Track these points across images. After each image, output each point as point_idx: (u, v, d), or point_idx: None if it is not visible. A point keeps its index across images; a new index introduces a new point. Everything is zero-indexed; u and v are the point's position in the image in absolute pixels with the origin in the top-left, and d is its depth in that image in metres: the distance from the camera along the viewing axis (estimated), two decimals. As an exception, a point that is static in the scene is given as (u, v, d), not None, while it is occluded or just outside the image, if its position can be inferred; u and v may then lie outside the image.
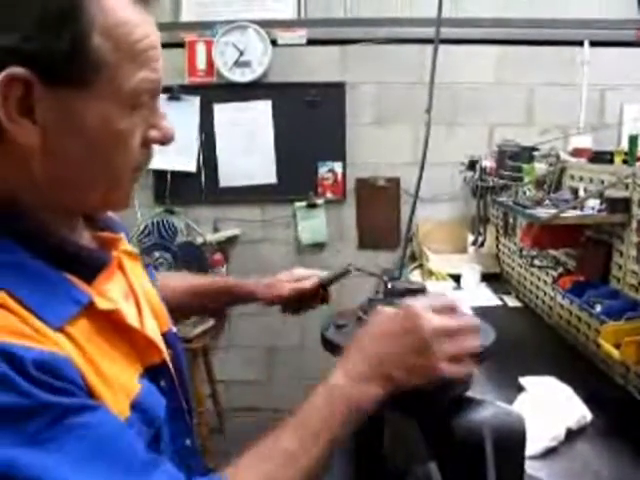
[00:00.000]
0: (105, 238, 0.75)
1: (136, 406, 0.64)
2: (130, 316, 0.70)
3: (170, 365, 0.76)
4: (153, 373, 0.72)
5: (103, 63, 0.59)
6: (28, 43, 0.55)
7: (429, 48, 2.13)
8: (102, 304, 0.65)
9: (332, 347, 0.85)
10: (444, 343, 0.69)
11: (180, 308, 1.08)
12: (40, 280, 0.60)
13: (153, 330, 0.76)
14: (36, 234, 0.62)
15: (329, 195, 3.13)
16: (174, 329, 0.85)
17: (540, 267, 2.13)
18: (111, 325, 0.66)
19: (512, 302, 2.37)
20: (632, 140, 1.76)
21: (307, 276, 1.24)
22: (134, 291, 0.77)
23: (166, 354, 0.76)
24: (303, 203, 3.12)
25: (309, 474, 0.65)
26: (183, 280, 1.23)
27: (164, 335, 0.80)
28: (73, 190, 0.65)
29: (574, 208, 1.67)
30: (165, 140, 0.70)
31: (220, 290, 1.24)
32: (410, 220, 2.30)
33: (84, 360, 0.59)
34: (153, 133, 0.69)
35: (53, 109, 0.59)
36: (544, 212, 1.69)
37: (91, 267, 0.67)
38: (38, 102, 0.58)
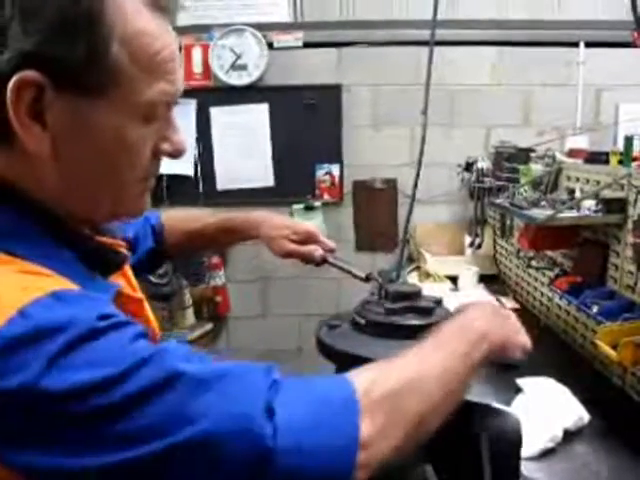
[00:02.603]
0: (110, 244, 0.75)
1: None
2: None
3: None
4: None
5: (120, 73, 0.58)
6: (44, 48, 0.54)
7: (425, 50, 2.13)
8: (129, 291, 0.69)
9: (322, 347, 0.85)
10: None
11: (192, 250, 1.10)
12: (73, 268, 0.62)
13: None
14: (61, 229, 0.63)
15: (326, 197, 3.13)
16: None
17: (537, 268, 2.14)
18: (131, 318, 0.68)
19: (509, 303, 2.37)
20: (628, 141, 1.76)
21: (313, 239, 1.19)
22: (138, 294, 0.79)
23: None
24: (300, 205, 3.12)
25: (447, 375, 0.65)
26: (193, 222, 1.20)
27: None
28: (81, 198, 0.64)
29: (570, 209, 1.67)
30: (175, 154, 0.69)
31: (227, 230, 1.21)
32: (407, 222, 2.31)
33: None
34: (165, 146, 0.67)
35: (64, 116, 0.58)
36: (541, 213, 1.69)
37: (107, 265, 0.69)
38: (49, 107, 0.57)
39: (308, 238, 1.18)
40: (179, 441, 0.50)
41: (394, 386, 0.59)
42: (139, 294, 0.81)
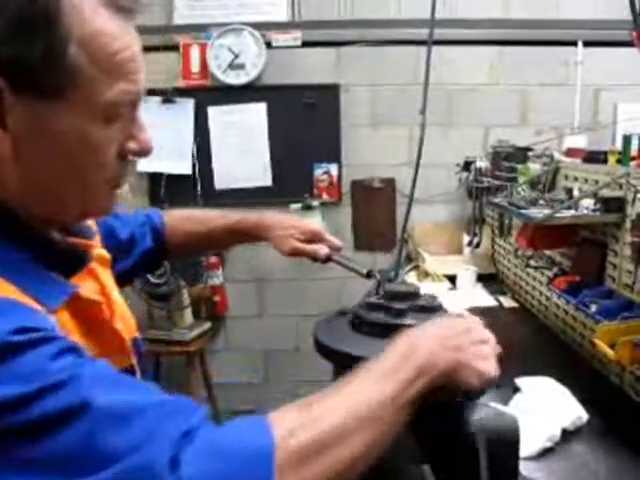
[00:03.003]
0: (77, 244, 0.74)
1: None
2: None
3: (138, 370, 0.78)
4: None
5: (79, 74, 0.57)
6: (0, 50, 0.54)
7: (423, 49, 2.13)
8: (86, 293, 0.66)
9: (320, 346, 0.85)
10: (494, 347, 0.73)
11: (196, 250, 1.08)
12: (26, 271, 0.60)
13: (123, 333, 0.76)
14: (17, 230, 0.62)
15: (325, 197, 3.13)
16: (139, 336, 0.86)
17: (535, 267, 2.14)
18: (88, 320, 0.67)
19: (508, 303, 2.37)
20: (626, 140, 1.76)
21: (318, 238, 1.17)
22: (106, 295, 0.76)
23: (134, 360, 0.77)
24: (299, 205, 3.12)
25: (380, 410, 0.60)
26: (199, 223, 1.18)
27: (131, 341, 0.80)
28: (46, 199, 0.64)
29: (568, 208, 1.67)
30: (142, 152, 0.68)
31: (239, 233, 1.19)
32: (406, 221, 2.31)
33: None
34: (131, 145, 0.67)
35: (25, 118, 0.57)
36: (539, 212, 1.69)
37: (68, 266, 0.68)
38: (9, 110, 0.56)
39: (314, 237, 1.17)
40: None
41: (315, 437, 0.55)
42: (114, 295, 0.79)
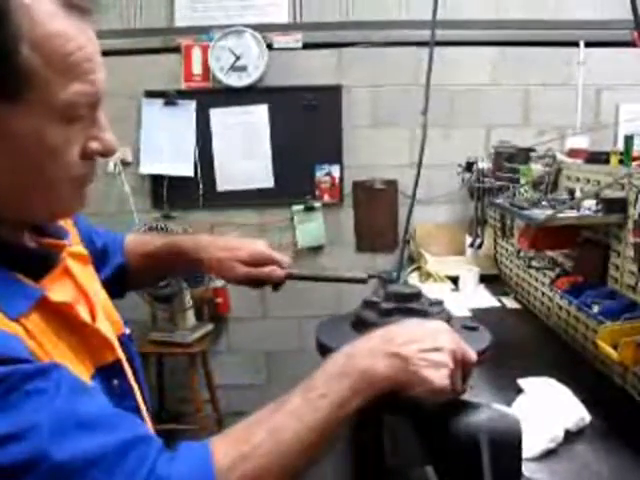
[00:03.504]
0: (49, 244, 0.74)
1: None
2: (82, 314, 0.70)
3: (125, 365, 0.77)
4: (105, 373, 0.72)
5: (32, 76, 0.56)
6: None
7: (425, 50, 2.13)
8: (55, 296, 0.65)
9: (322, 348, 0.85)
10: (457, 356, 0.70)
11: (150, 273, 1.06)
12: None
13: (107, 331, 0.76)
14: None
15: (327, 198, 3.13)
16: (127, 331, 0.85)
17: (538, 268, 2.13)
18: (63, 321, 0.66)
19: (510, 303, 2.37)
20: (628, 140, 1.76)
21: (269, 260, 1.08)
22: (85, 293, 0.76)
23: (121, 354, 0.76)
24: (301, 206, 3.12)
25: (314, 435, 0.63)
26: (147, 244, 1.13)
27: (118, 338, 0.80)
28: (12, 202, 0.63)
29: (571, 209, 1.67)
30: (105, 152, 0.68)
31: (176, 253, 1.11)
32: (407, 222, 2.30)
33: (42, 352, 0.59)
34: (94, 145, 0.66)
35: None
36: (541, 213, 1.69)
37: (37, 268, 0.67)
38: None
39: (262, 259, 1.08)
40: None
41: (253, 469, 0.59)
42: (94, 293, 0.78)
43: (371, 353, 0.67)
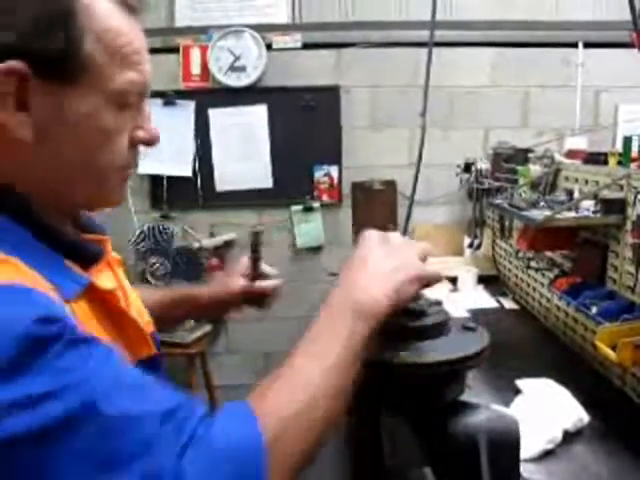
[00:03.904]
0: (92, 239, 0.77)
1: None
2: (124, 306, 0.73)
3: (159, 362, 0.78)
4: (143, 367, 0.72)
5: (93, 63, 0.63)
6: (25, 41, 0.60)
7: (424, 51, 2.13)
8: (102, 284, 0.69)
9: None
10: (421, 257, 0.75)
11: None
12: (46, 259, 0.63)
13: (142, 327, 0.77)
14: (36, 220, 0.65)
15: (325, 198, 3.13)
16: (155, 332, 0.86)
17: (536, 269, 2.13)
18: (106, 311, 0.68)
19: (509, 304, 2.37)
20: (626, 141, 1.76)
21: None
22: (123, 288, 0.79)
23: (155, 350, 0.77)
24: (299, 207, 3.12)
25: (332, 384, 0.63)
26: (152, 294, 1.15)
27: (150, 336, 0.80)
28: (63, 183, 0.67)
29: (569, 210, 1.67)
30: (151, 141, 0.73)
31: (181, 300, 1.16)
32: (406, 223, 2.30)
33: None
34: (140, 133, 0.71)
35: (46, 104, 0.63)
36: (539, 214, 1.69)
37: (86, 258, 0.70)
38: (32, 96, 0.62)
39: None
40: None
41: (296, 418, 0.60)
42: (130, 291, 0.81)
43: (357, 286, 0.69)
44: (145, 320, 0.83)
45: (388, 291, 0.68)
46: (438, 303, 0.81)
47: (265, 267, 1.17)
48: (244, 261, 1.17)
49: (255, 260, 1.15)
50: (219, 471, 0.53)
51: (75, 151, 0.66)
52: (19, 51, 0.60)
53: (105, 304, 0.68)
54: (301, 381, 0.63)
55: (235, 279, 1.15)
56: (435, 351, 0.72)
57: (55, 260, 0.65)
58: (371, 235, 0.76)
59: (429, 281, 0.73)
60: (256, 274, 1.15)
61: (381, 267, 0.70)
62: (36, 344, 0.51)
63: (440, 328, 0.76)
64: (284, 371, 0.65)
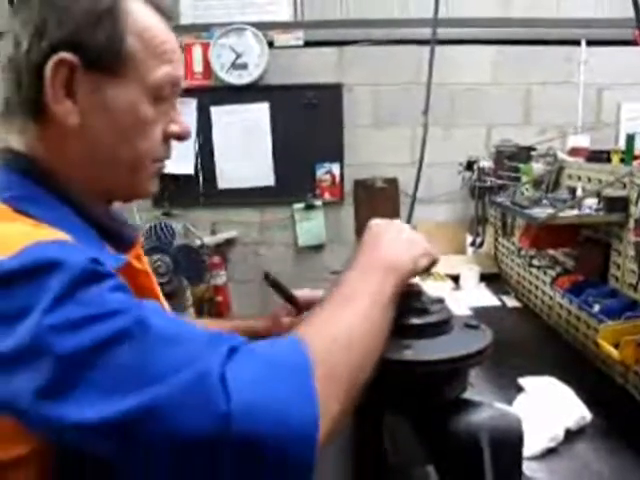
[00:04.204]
0: (126, 226, 0.82)
1: None
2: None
3: None
4: None
5: (133, 58, 0.70)
6: (76, 35, 0.67)
7: (426, 49, 2.12)
8: (137, 265, 0.74)
9: None
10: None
11: None
12: (87, 237, 0.69)
13: None
14: (78, 203, 0.71)
15: (327, 197, 3.13)
16: None
17: (539, 267, 2.13)
18: (140, 292, 0.70)
19: (511, 302, 2.36)
20: (629, 139, 1.76)
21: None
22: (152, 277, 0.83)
23: None
24: (301, 205, 3.12)
25: (365, 327, 0.64)
26: (220, 324, 1.19)
27: None
28: (101, 170, 0.73)
29: (572, 208, 1.67)
30: (183, 135, 0.78)
31: (244, 332, 1.16)
32: (408, 221, 2.30)
33: None
34: (173, 127, 0.77)
35: (90, 93, 0.69)
36: (542, 212, 1.69)
37: (122, 242, 0.76)
38: (79, 85, 0.68)
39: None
40: (140, 403, 0.51)
41: (341, 353, 0.60)
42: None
43: (383, 251, 0.73)
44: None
45: (409, 256, 0.74)
46: (441, 301, 0.81)
47: (297, 293, 1.13)
48: (280, 310, 1.14)
49: (288, 298, 1.11)
50: (261, 369, 0.55)
51: (114, 139, 0.71)
52: (70, 45, 0.66)
53: (140, 284, 0.73)
54: (336, 317, 0.64)
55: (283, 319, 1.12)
56: (438, 349, 0.72)
57: (95, 240, 0.70)
58: (377, 222, 0.80)
59: (435, 259, 0.79)
60: (298, 307, 1.12)
61: (397, 239, 0.76)
62: (94, 276, 0.56)
63: (443, 326, 0.76)
64: (318, 312, 0.66)
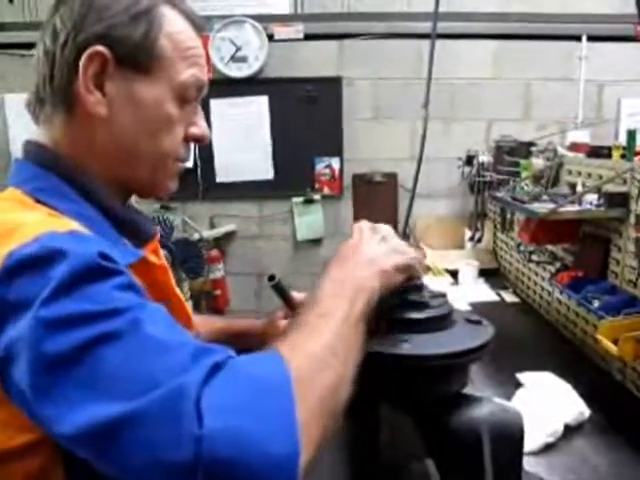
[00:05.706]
0: (145, 220, 0.84)
1: None
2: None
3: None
4: None
5: (163, 57, 0.74)
6: (112, 31, 0.71)
7: (426, 43, 2.12)
8: (154, 259, 0.76)
9: None
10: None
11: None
12: (105, 230, 0.71)
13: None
14: (99, 195, 0.73)
15: (326, 191, 3.13)
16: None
17: (538, 262, 2.13)
18: (156, 287, 0.73)
19: (510, 298, 2.36)
20: (630, 135, 1.75)
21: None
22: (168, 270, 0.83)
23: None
24: (300, 199, 3.11)
25: (343, 339, 0.64)
26: (215, 321, 1.18)
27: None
28: (124, 162, 0.75)
29: (572, 203, 1.66)
30: (202, 137, 0.82)
31: (242, 333, 1.14)
32: (407, 216, 2.30)
33: None
34: (194, 129, 0.80)
35: (120, 86, 0.72)
36: (542, 207, 1.68)
37: (140, 236, 0.78)
38: (110, 78, 0.71)
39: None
40: (134, 409, 0.51)
41: (320, 373, 0.59)
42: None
43: (349, 270, 0.73)
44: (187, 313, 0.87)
45: (378, 274, 0.72)
46: (442, 295, 0.81)
47: (297, 297, 1.10)
48: (277, 313, 1.13)
49: (289, 304, 1.09)
50: (241, 393, 0.53)
51: (138, 133, 0.74)
52: (105, 39, 0.70)
53: (155, 278, 0.74)
54: (316, 331, 0.63)
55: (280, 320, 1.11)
56: (439, 343, 0.71)
57: (112, 234, 0.72)
58: (362, 225, 0.82)
59: (416, 271, 0.77)
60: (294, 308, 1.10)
61: (373, 252, 0.75)
62: (99, 272, 0.57)
63: (444, 321, 0.76)
64: (297, 324, 0.65)
